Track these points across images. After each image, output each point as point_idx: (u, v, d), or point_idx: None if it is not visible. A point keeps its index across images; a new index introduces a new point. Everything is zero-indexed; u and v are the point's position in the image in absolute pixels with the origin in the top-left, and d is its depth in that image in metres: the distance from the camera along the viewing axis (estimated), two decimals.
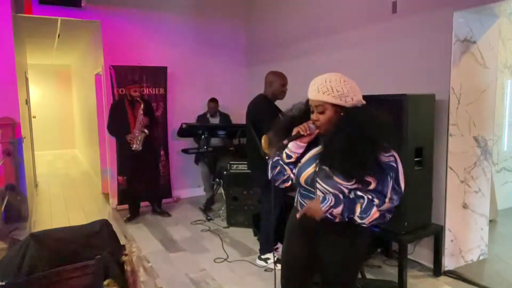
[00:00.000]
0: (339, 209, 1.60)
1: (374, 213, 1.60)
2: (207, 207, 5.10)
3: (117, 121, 4.75)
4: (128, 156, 4.73)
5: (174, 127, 5.58)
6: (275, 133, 1.80)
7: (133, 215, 4.95)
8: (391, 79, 3.64)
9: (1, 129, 3.90)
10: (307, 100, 1.73)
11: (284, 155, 1.73)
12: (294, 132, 1.65)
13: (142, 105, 4.62)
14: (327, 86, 1.60)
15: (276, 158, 1.78)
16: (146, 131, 4.66)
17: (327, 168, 1.62)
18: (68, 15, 5.04)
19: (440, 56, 3.17)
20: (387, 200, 1.61)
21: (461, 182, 3.29)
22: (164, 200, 5.37)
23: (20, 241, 2.48)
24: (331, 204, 1.60)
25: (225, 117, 5.54)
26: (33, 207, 5.10)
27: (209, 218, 4.86)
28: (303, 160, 1.72)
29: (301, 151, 1.70)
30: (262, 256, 3.50)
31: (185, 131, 5.24)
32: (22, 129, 4.32)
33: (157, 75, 5.43)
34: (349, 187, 1.61)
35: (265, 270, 3.40)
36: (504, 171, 4.97)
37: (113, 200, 5.48)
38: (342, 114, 1.62)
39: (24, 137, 4.50)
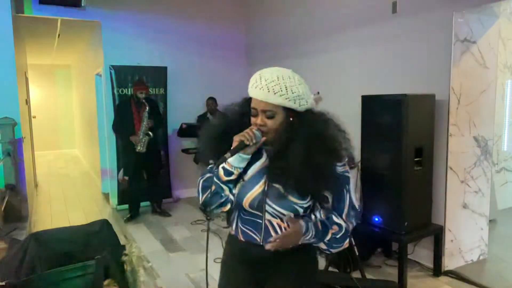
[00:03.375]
0: (312, 236, 1.34)
1: (346, 242, 1.39)
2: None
3: (122, 122, 4.76)
4: (132, 157, 4.74)
5: (174, 127, 5.58)
6: (205, 144, 1.42)
7: (133, 215, 4.95)
8: (391, 79, 3.64)
9: (1, 129, 3.89)
10: (247, 100, 1.38)
11: (221, 172, 1.33)
12: (235, 142, 1.28)
13: (147, 107, 4.63)
14: (280, 86, 1.26)
15: (207, 175, 1.38)
16: (150, 134, 4.67)
17: (279, 187, 1.29)
18: (68, 15, 5.04)
19: (440, 56, 3.17)
20: (344, 217, 1.36)
21: (461, 182, 3.29)
22: (164, 200, 5.37)
23: (20, 241, 2.48)
24: (311, 236, 1.32)
25: None
26: (33, 207, 5.11)
27: (209, 218, 4.84)
28: (246, 177, 1.36)
29: (244, 165, 1.34)
30: None
31: (185, 131, 5.24)
32: (22, 129, 4.32)
33: (157, 75, 5.43)
34: (304, 205, 1.32)
35: None
36: (504, 171, 4.97)
37: (113, 200, 5.48)
38: (292, 119, 1.31)
39: (24, 137, 4.49)
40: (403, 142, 2.99)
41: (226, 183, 1.35)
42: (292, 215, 1.33)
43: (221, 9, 6.03)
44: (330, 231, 1.35)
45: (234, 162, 1.32)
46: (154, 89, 5.41)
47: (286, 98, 1.27)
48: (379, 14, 3.72)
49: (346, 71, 4.20)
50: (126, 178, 4.93)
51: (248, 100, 1.36)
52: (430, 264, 3.31)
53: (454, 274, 3.22)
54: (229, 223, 1.49)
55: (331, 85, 4.38)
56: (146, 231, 4.56)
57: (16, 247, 2.20)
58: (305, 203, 1.33)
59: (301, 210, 1.33)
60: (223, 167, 1.33)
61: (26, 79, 6.67)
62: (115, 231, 2.51)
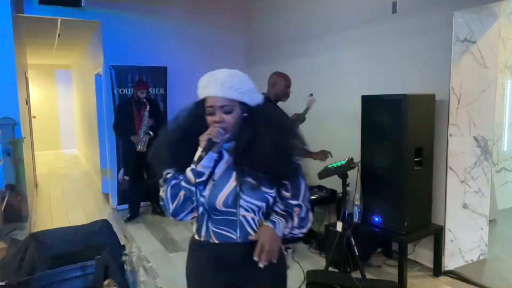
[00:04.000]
0: (283, 226, 1.39)
1: (310, 217, 1.47)
2: None
3: (122, 121, 4.77)
4: (133, 156, 4.75)
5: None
6: (161, 152, 1.42)
7: (133, 215, 4.95)
8: (391, 79, 3.64)
9: (1, 129, 3.89)
10: (201, 101, 1.39)
11: (190, 175, 1.32)
12: (203, 142, 1.30)
13: (147, 107, 4.64)
14: (234, 81, 1.33)
15: (174, 182, 1.36)
16: (151, 133, 4.67)
17: (251, 180, 1.34)
18: (68, 15, 5.04)
19: (440, 56, 3.17)
20: (300, 200, 1.43)
21: (461, 182, 3.29)
22: None
23: (20, 241, 2.48)
24: (284, 226, 1.38)
25: None
26: (33, 207, 5.10)
27: None
28: (216, 177, 1.38)
29: (213, 163, 1.35)
30: None
31: None
32: (22, 129, 4.32)
33: (157, 75, 5.43)
34: (273, 195, 1.40)
35: None
36: (504, 171, 4.97)
37: (113, 200, 5.48)
38: (245, 115, 1.37)
39: (24, 137, 4.50)
40: (403, 142, 2.99)
41: (196, 185, 1.34)
42: (263, 205, 1.39)
43: (221, 9, 6.03)
44: (294, 214, 1.42)
45: (205, 161, 1.32)
46: (154, 89, 5.41)
47: (241, 92, 1.34)
48: (379, 14, 3.72)
49: (346, 71, 4.20)
50: (127, 178, 4.94)
51: (200, 103, 1.39)
52: (430, 264, 3.31)
53: (454, 274, 3.22)
54: (197, 232, 1.47)
55: (331, 85, 4.38)
56: (146, 231, 4.56)
57: (16, 247, 2.20)
58: (273, 192, 1.40)
59: (271, 200, 1.40)
60: (192, 170, 1.32)
61: (26, 79, 6.67)
62: (115, 231, 2.51)
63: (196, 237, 1.48)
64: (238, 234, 1.39)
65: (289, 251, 3.74)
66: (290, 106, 3.75)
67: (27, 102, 6.47)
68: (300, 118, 3.61)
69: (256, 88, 1.43)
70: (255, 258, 1.31)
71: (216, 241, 1.41)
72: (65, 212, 5.45)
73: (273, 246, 1.33)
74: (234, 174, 1.37)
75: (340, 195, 3.44)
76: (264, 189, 1.37)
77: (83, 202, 5.97)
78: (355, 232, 2.93)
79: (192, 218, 1.43)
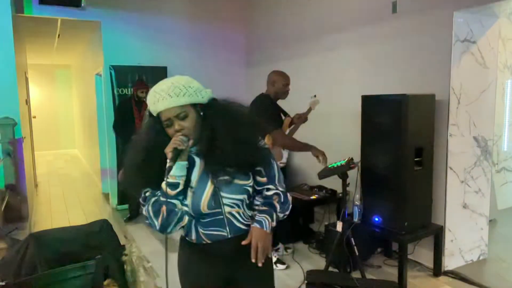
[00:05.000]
0: (270, 220, 1.46)
1: (289, 198, 1.54)
2: None
3: (123, 121, 4.76)
4: None
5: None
6: (132, 174, 1.44)
7: (133, 215, 4.95)
8: (391, 79, 3.64)
9: (1, 129, 3.89)
10: (155, 117, 1.42)
11: (166, 188, 1.34)
12: (169, 153, 1.33)
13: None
14: (179, 87, 1.34)
15: (153, 199, 1.38)
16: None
17: (225, 177, 1.38)
18: (68, 15, 5.04)
19: (440, 56, 3.17)
20: (276, 183, 1.51)
21: (461, 182, 3.30)
22: None
23: (20, 241, 2.48)
24: (270, 221, 1.45)
25: None
26: (33, 207, 5.10)
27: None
28: (193, 184, 1.41)
29: (185, 172, 1.38)
30: None
31: None
32: (22, 129, 4.32)
33: (157, 75, 5.42)
34: (251, 184, 1.46)
35: None
36: (504, 171, 4.97)
37: (113, 200, 5.48)
38: (202, 113, 1.41)
39: (24, 137, 4.49)
40: (403, 142, 2.99)
41: (175, 197, 1.37)
42: (245, 197, 1.45)
43: (221, 9, 6.03)
44: (275, 203, 1.49)
45: (176, 172, 1.35)
46: None
47: (189, 95, 1.36)
48: (379, 14, 3.72)
49: (346, 71, 4.20)
50: None
51: (156, 119, 1.42)
52: (430, 264, 3.31)
53: (454, 274, 3.22)
54: (187, 236, 1.51)
55: (331, 85, 4.38)
56: (146, 231, 4.56)
57: (16, 247, 2.20)
58: (250, 182, 1.45)
59: (250, 190, 1.46)
60: (167, 183, 1.34)
61: (26, 79, 6.67)
62: (115, 231, 2.51)
63: (187, 239, 1.52)
64: (228, 230, 1.45)
65: (289, 251, 3.75)
66: (292, 106, 3.76)
67: (27, 102, 6.47)
68: (302, 118, 3.62)
69: (202, 85, 1.44)
70: (253, 260, 1.39)
71: (208, 241, 1.46)
72: (65, 212, 5.45)
73: (266, 244, 1.42)
74: (209, 176, 1.41)
75: (340, 195, 3.45)
76: (239, 181, 1.42)
77: (83, 202, 5.97)
78: (355, 232, 2.93)
79: (181, 228, 1.45)
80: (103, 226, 2.43)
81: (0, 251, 2.76)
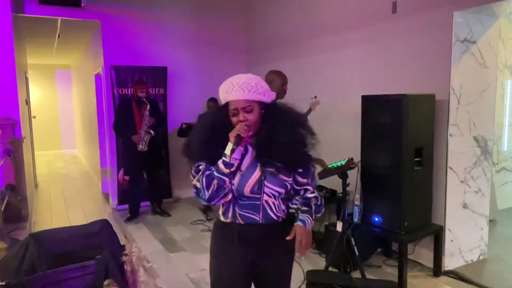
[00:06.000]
0: (311, 221, 1.68)
1: (323, 202, 1.75)
2: (207, 207, 5.10)
3: (123, 121, 4.76)
4: (134, 156, 4.75)
5: (174, 127, 5.58)
6: (199, 144, 1.63)
7: (133, 215, 4.95)
8: (391, 79, 3.64)
9: (1, 129, 3.89)
10: (224, 105, 1.63)
11: (222, 166, 1.55)
12: (232, 138, 1.53)
13: (148, 106, 4.64)
14: (251, 84, 1.55)
15: (207, 172, 1.58)
16: (152, 132, 4.67)
17: (272, 169, 1.58)
18: (68, 15, 5.04)
19: (440, 56, 3.17)
20: (312, 188, 1.72)
21: (461, 182, 3.30)
22: (164, 200, 5.37)
23: (20, 241, 2.48)
24: (311, 221, 1.66)
25: None
26: (33, 207, 5.10)
27: (209, 218, 4.86)
28: (244, 168, 1.61)
29: (240, 156, 1.59)
30: None
31: (185, 131, 5.24)
32: (22, 129, 4.32)
33: (157, 75, 5.43)
34: (290, 181, 1.65)
35: None
36: (504, 171, 4.98)
37: (113, 200, 5.48)
38: (263, 111, 1.60)
39: (24, 137, 4.50)
40: (403, 142, 2.99)
41: (228, 175, 1.56)
42: (283, 191, 1.63)
43: (221, 9, 6.03)
44: (312, 205, 1.70)
45: (235, 154, 1.55)
46: (154, 89, 5.41)
47: (258, 93, 1.56)
48: (379, 14, 3.72)
49: (346, 71, 4.20)
50: (127, 178, 4.94)
51: (225, 106, 1.63)
52: (430, 264, 3.31)
53: (454, 274, 3.22)
54: (223, 215, 1.70)
55: (331, 85, 4.38)
56: (146, 231, 4.56)
57: (16, 247, 2.20)
58: (290, 180, 1.65)
59: (289, 186, 1.65)
60: (223, 161, 1.55)
61: (26, 79, 6.67)
62: (115, 231, 2.51)
63: (222, 219, 1.70)
64: (260, 216, 1.63)
65: None
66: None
67: (27, 102, 6.47)
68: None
69: (268, 88, 1.62)
70: (298, 254, 1.63)
71: (242, 222, 1.64)
72: (65, 212, 5.45)
73: (308, 240, 1.63)
74: (258, 165, 1.60)
75: (340, 195, 3.44)
76: (283, 177, 1.61)
77: (83, 202, 5.97)
78: (355, 232, 2.93)
79: (224, 202, 1.65)
80: (103, 226, 2.42)
81: (0, 251, 2.77)
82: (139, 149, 4.67)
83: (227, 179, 1.57)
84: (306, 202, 1.70)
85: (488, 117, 3.41)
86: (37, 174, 7.67)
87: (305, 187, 1.70)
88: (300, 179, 1.67)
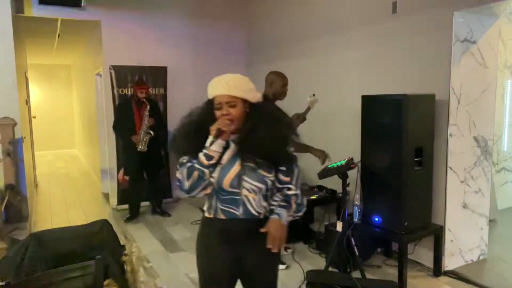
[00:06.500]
0: (287, 215, 1.68)
1: (305, 202, 1.77)
2: None
3: (123, 121, 4.76)
4: (133, 156, 4.75)
5: (174, 127, 5.57)
6: (183, 138, 1.70)
7: (133, 215, 4.95)
8: (391, 79, 3.64)
9: (1, 129, 3.89)
10: (210, 100, 1.69)
11: (202, 158, 1.61)
12: (213, 131, 1.59)
13: (148, 107, 4.64)
14: (237, 81, 1.63)
15: (189, 164, 1.63)
16: (151, 132, 4.67)
17: (252, 164, 1.62)
18: (68, 15, 5.04)
19: (440, 56, 3.17)
20: (294, 185, 1.71)
21: (461, 182, 3.30)
22: (164, 200, 5.37)
23: (20, 241, 2.48)
24: (287, 216, 1.67)
25: None
26: (33, 207, 5.10)
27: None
28: (224, 162, 1.66)
29: (221, 149, 1.64)
30: None
31: None
32: (22, 129, 4.32)
33: (157, 75, 5.43)
34: (271, 178, 1.67)
35: None
36: (504, 171, 4.98)
37: (113, 200, 5.48)
38: (248, 110, 1.65)
39: (24, 137, 4.49)
40: (403, 142, 2.99)
41: (207, 167, 1.61)
42: (263, 187, 1.65)
43: (221, 9, 6.03)
44: (292, 202, 1.71)
45: (214, 147, 1.61)
46: (154, 89, 5.42)
47: (242, 91, 1.63)
48: (379, 14, 3.72)
49: (346, 71, 4.20)
50: (127, 178, 4.94)
51: (210, 101, 1.68)
52: (430, 264, 3.31)
53: (454, 274, 3.22)
54: (208, 211, 1.74)
55: (331, 85, 4.38)
56: (146, 231, 4.56)
57: (16, 247, 2.20)
58: (272, 176, 1.67)
59: (269, 183, 1.67)
60: (204, 154, 1.61)
61: (26, 79, 6.67)
62: (115, 231, 2.51)
63: (207, 215, 1.75)
64: (241, 211, 1.66)
65: (289, 251, 3.75)
66: (291, 106, 3.74)
67: (27, 102, 6.47)
68: (301, 118, 3.61)
69: (255, 88, 1.68)
70: (269, 246, 1.60)
71: (223, 217, 1.68)
72: (65, 212, 5.45)
73: (282, 234, 1.62)
74: (238, 160, 1.65)
75: (340, 195, 3.44)
76: (263, 172, 1.64)
77: (83, 202, 5.97)
78: (355, 232, 2.93)
79: (204, 195, 1.68)
80: (103, 226, 2.42)
81: (0, 251, 2.77)
82: (138, 149, 4.67)
83: (207, 171, 1.61)
84: (286, 199, 1.72)
85: (488, 117, 3.41)
86: (37, 174, 7.67)
87: (287, 185, 1.71)
88: (282, 177, 1.69)
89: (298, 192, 1.73)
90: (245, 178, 1.63)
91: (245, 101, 1.64)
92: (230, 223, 1.68)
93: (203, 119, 1.68)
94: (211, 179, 1.64)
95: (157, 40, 5.58)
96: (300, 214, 1.76)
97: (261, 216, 1.69)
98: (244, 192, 1.65)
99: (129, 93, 5.17)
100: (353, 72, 4.10)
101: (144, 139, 4.67)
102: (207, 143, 1.60)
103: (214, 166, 1.63)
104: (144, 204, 5.18)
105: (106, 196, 5.92)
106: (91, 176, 8.03)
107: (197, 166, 1.61)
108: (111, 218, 4.97)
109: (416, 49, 3.39)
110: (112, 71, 5.16)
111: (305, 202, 1.76)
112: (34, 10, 4.80)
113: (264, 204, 1.70)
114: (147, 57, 5.47)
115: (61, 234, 2.34)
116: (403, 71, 3.52)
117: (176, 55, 5.72)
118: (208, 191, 1.66)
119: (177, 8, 5.71)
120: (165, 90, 5.50)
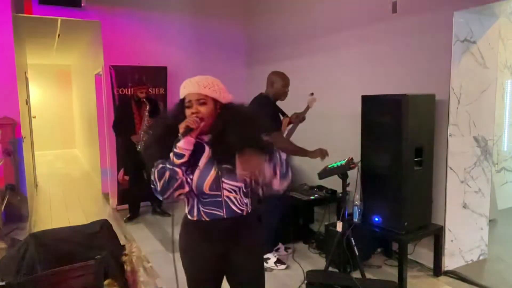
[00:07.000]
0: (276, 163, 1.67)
1: (290, 175, 1.74)
2: None
3: (123, 121, 4.76)
4: (134, 156, 4.74)
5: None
6: (155, 143, 1.68)
7: (133, 215, 4.95)
8: (391, 79, 3.64)
9: (1, 129, 3.90)
10: (182, 100, 1.68)
11: (172, 157, 1.58)
12: (182, 128, 1.58)
13: (148, 107, 4.64)
14: (207, 81, 1.64)
15: (160, 166, 1.59)
16: (151, 132, 4.67)
17: (228, 165, 1.62)
18: (68, 15, 5.04)
19: (440, 56, 3.17)
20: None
21: (461, 182, 3.30)
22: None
23: (20, 241, 2.48)
24: (274, 164, 1.65)
25: None
26: (33, 207, 5.11)
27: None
28: (201, 165, 1.64)
29: (191, 147, 1.60)
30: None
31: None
32: (22, 129, 4.33)
33: (157, 75, 5.43)
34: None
35: (265, 270, 3.40)
36: (504, 171, 4.98)
37: (113, 200, 5.48)
38: (219, 110, 1.66)
39: (24, 137, 4.50)
40: (403, 142, 2.99)
41: (179, 166, 1.58)
42: (243, 185, 1.68)
43: (221, 9, 6.03)
44: (277, 168, 1.68)
45: (184, 145, 1.58)
46: (154, 89, 5.42)
47: (212, 90, 1.63)
48: (379, 14, 3.72)
49: (346, 71, 4.20)
50: (127, 178, 4.93)
51: (181, 102, 1.68)
52: (430, 264, 3.31)
53: (454, 274, 3.22)
54: (190, 214, 1.73)
55: (331, 85, 4.38)
56: (146, 231, 4.56)
57: (16, 247, 2.20)
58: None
59: (247, 180, 1.68)
60: (174, 152, 1.58)
61: (26, 79, 6.67)
62: (115, 231, 2.51)
63: (189, 217, 1.73)
64: (224, 212, 1.67)
65: (289, 251, 3.75)
66: (290, 105, 3.75)
67: (27, 102, 6.48)
68: (300, 117, 3.61)
69: (226, 90, 1.69)
70: (238, 168, 1.57)
71: (207, 219, 1.68)
72: (65, 212, 5.45)
73: (259, 162, 1.58)
74: (214, 163, 1.64)
75: (340, 195, 3.45)
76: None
77: (83, 202, 5.97)
78: (355, 232, 2.93)
79: (179, 195, 1.64)
80: (103, 226, 2.42)
81: (0, 251, 2.77)
82: (138, 149, 4.67)
83: (179, 171, 1.58)
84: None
85: (488, 117, 3.41)
86: (37, 174, 7.67)
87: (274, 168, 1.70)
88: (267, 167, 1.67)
89: (284, 160, 1.71)
90: (224, 180, 1.64)
91: (216, 101, 1.65)
92: (215, 224, 1.68)
93: (174, 120, 1.66)
94: (184, 178, 1.60)
95: (157, 40, 5.58)
96: (285, 183, 1.72)
97: (244, 213, 1.71)
98: (225, 193, 1.66)
99: (129, 93, 5.17)
100: (353, 72, 4.10)
101: (144, 139, 4.68)
102: (176, 141, 1.58)
103: (189, 167, 1.61)
104: (144, 204, 5.18)
105: (106, 196, 5.92)
106: (91, 176, 8.03)
107: (168, 166, 1.58)
108: (111, 218, 4.96)
109: (416, 49, 3.39)
110: (112, 71, 5.16)
111: (290, 170, 1.74)
112: (34, 10, 4.80)
113: (246, 200, 1.72)
114: (147, 57, 5.47)
115: (61, 234, 2.34)
116: (403, 71, 3.52)
117: (176, 55, 5.72)
118: (185, 190, 1.62)
119: (177, 8, 5.71)
120: (165, 90, 5.51)
